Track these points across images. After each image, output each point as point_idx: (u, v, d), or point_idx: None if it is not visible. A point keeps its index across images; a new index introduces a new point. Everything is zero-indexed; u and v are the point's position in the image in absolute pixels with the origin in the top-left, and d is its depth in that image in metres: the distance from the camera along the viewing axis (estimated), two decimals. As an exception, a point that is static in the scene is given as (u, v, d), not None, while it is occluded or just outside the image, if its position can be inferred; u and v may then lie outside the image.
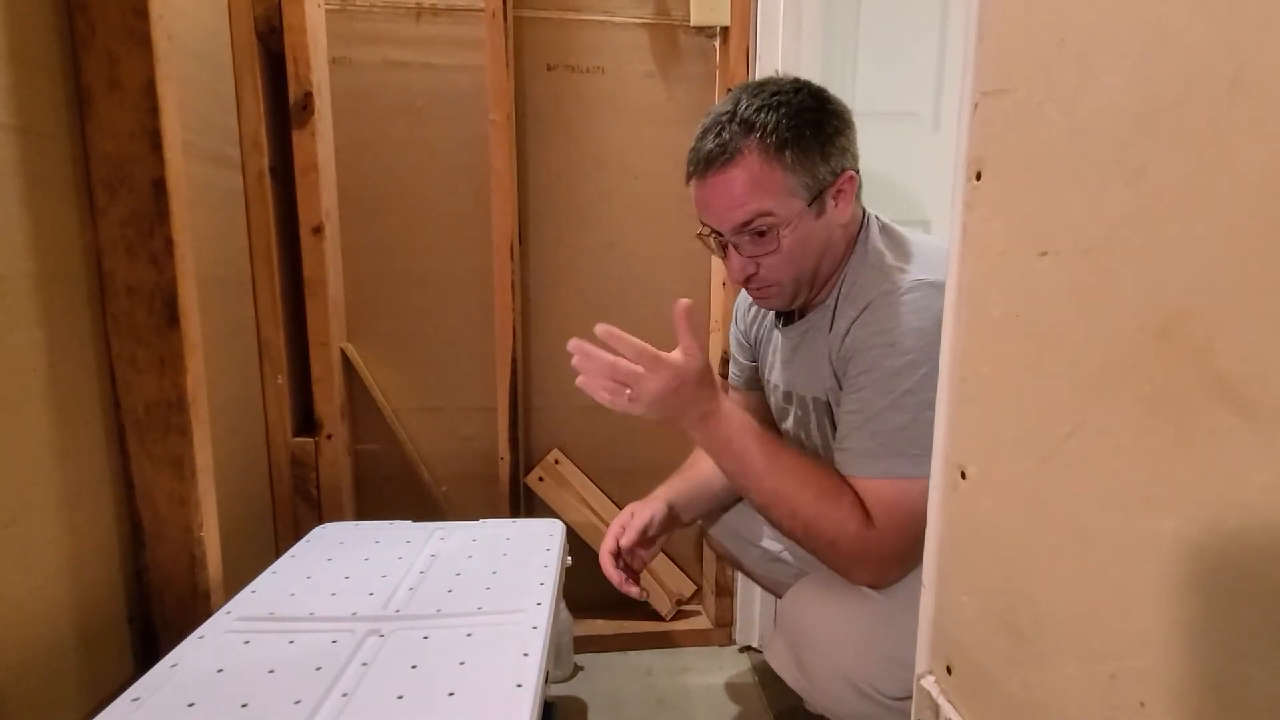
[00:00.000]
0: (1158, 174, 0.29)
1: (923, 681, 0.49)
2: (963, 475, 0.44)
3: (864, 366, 0.71)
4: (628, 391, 0.69)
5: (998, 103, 0.40)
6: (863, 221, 0.80)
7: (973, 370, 0.43)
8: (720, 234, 0.77)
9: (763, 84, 0.75)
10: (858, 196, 0.78)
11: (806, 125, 0.72)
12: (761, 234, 0.74)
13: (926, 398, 0.66)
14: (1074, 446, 0.34)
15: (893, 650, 0.67)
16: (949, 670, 0.46)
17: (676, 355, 0.70)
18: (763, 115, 0.72)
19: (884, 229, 0.80)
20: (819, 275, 0.79)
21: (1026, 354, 0.38)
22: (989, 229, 0.41)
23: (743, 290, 1.01)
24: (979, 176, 0.42)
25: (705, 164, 0.74)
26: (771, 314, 0.92)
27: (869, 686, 0.68)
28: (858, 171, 0.77)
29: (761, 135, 0.71)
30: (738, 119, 0.72)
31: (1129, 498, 0.31)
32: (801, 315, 0.84)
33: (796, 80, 0.76)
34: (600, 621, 1.31)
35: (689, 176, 0.78)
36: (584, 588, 1.28)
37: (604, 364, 0.69)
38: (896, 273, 0.73)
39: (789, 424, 0.88)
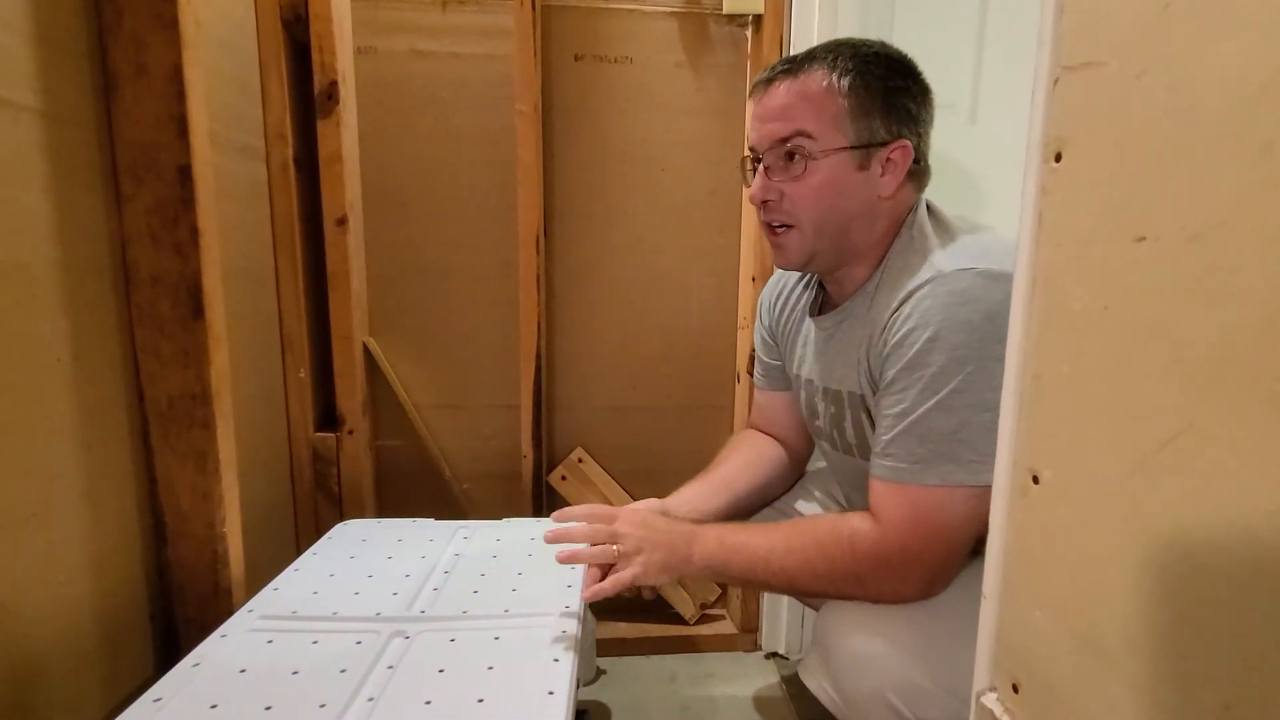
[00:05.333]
0: (1289, 149, 0.26)
1: (984, 699, 0.46)
2: (1035, 480, 0.41)
3: (906, 364, 0.66)
4: (615, 548, 0.72)
5: (1084, 77, 0.37)
6: (914, 206, 0.76)
7: (1048, 368, 0.40)
8: (756, 155, 0.76)
9: (848, 38, 0.77)
10: (913, 178, 0.75)
11: (874, 71, 0.73)
12: (791, 157, 0.73)
13: (976, 399, 0.63)
14: (1177, 451, 0.31)
15: (937, 673, 0.63)
16: (1015, 688, 0.43)
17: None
18: (840, 50, 0.74)
19: (934, 214, 0.76)
20: (848, 244, 0.75)
21: (1117, 350, 0.34)
22: (1071, 215, 0.38)
23: (768, 284, 0.98)
24: (1058, 158, 0.39)
25: (769, 77, 0.75)
26: (803, 303, 0.88)
27: (909, 710, 0.65)
28: (918, 150, 0.74)
29: (829, 63, 0.73)
30: (817, 51, 0.75)
31: (1249, 508, 0.28)
32: (836, 305, 0.81)
33: (884, 43, 0.76)
34: (623, 625, 1.29)
35: (749, 100, 0.79)
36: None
37: (585, 555, 0.73)
38: (943, 260, 0.68)
39: (821, 422, 0.84)
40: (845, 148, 0.72)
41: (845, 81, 0.71)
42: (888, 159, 0.73)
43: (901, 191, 0.75)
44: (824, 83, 0.72)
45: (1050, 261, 0.40)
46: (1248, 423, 0.28)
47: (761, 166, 0.75)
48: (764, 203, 0.76)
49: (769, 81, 0.75)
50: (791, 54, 0.78)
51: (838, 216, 0.74)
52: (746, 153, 0.79)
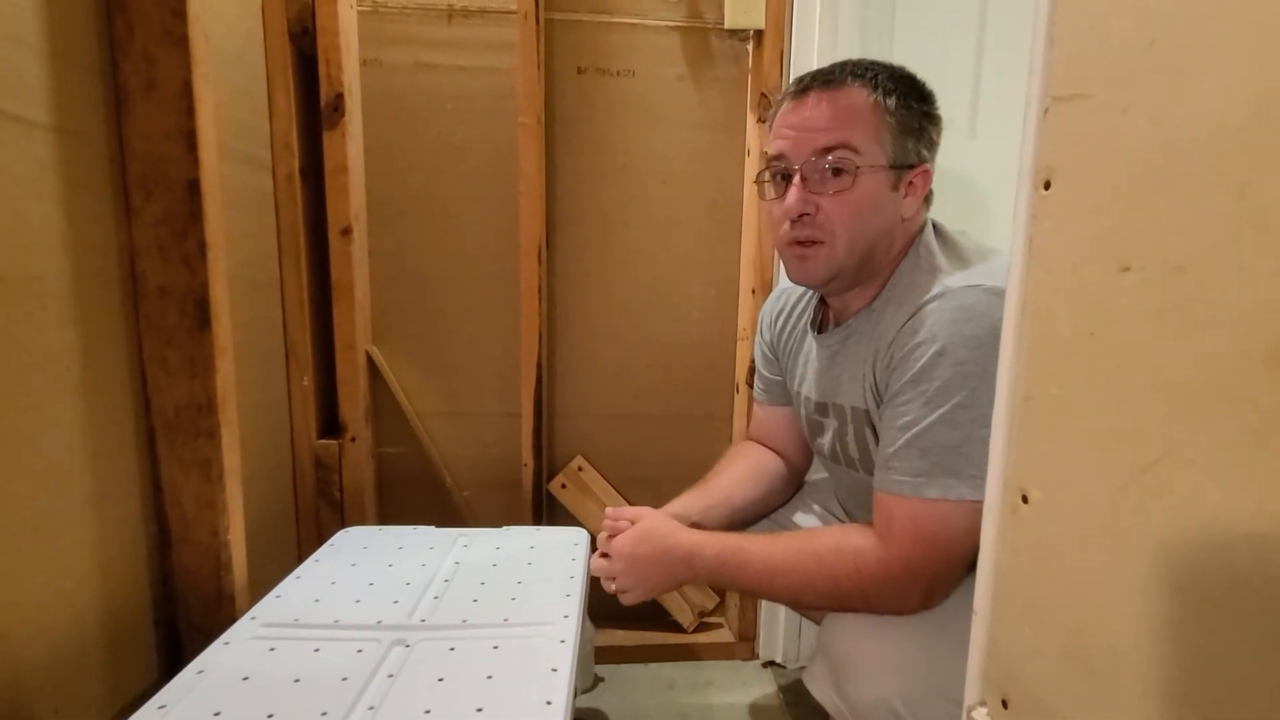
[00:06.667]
0: (1266, 188, 0.27)
1: (974, 714, 0.47)
2: (1024, 499, 0.42)
3: (911, 376, 0.67)
4: (612, 585, 0.80)
5: (1072, 108, 0.38)
6: (921, 227, 0.77)
7: (1038, 390, 0.41)
8: (788, 166, 0.74)
9: (872, 59, 0.77)
10: (925, 201, 0.77)
11: (911, 95, 0.73)
12: (837, 172, 0.72)
13: (979, 414, 0.63)
14: (1158, 476, 0.32)
15: (940, 681, 0.64)
16: (1004, 704, 0.44)
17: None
18: (874, 69, 0.73)
19: (940, 233, 0.77)
20: (868, 263, 0.75)
21: (1102, 375, 0.35)
22: (1059, 242, 0.39)
23: (768, 299, 0.99)
24: (1048, 186, 0.40)
25: (807, 82, 0.74)
26: (805, 321, 0.89)
27: (913, 717, 0.65)
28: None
29: (871, 79, 0.72)
30: (849, 67, 0.74)
31: (1226, 533, 0.28)
32: (839, 322, 0.81)
33: (904, 67, 0.77)
34: (621, 632, 1.29)
35: (780, 102, 0.77)
36: (605, 597, 1.26)
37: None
38: (950, 277, 0.69)
39: (824, 438, 0.85)
40: (883, 166, 0.72)
41: (891, 101, 0.71)
42: (910, 182, 0.74)
43: (918, 215, 0.76)
44: (870, 99, 0.71)
45: (1040, 286, 0.41)
46: (1225, 450, 0.28)
47: (798, 178, 0.73)
48: (800, 216, 0.73)
49: (803, 92, 0.74)
50: (817, 68, 0.77)
51: (869, 234, 0.73)
52: (768, 163, 0.77)
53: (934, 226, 0.78)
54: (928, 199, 0.77)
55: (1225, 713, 0.29)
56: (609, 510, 0.86)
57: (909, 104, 0.72)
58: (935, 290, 0.68)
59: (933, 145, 0.75)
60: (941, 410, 0.65)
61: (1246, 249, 0.28)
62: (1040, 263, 0.41)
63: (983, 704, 0.46)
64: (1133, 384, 0.33)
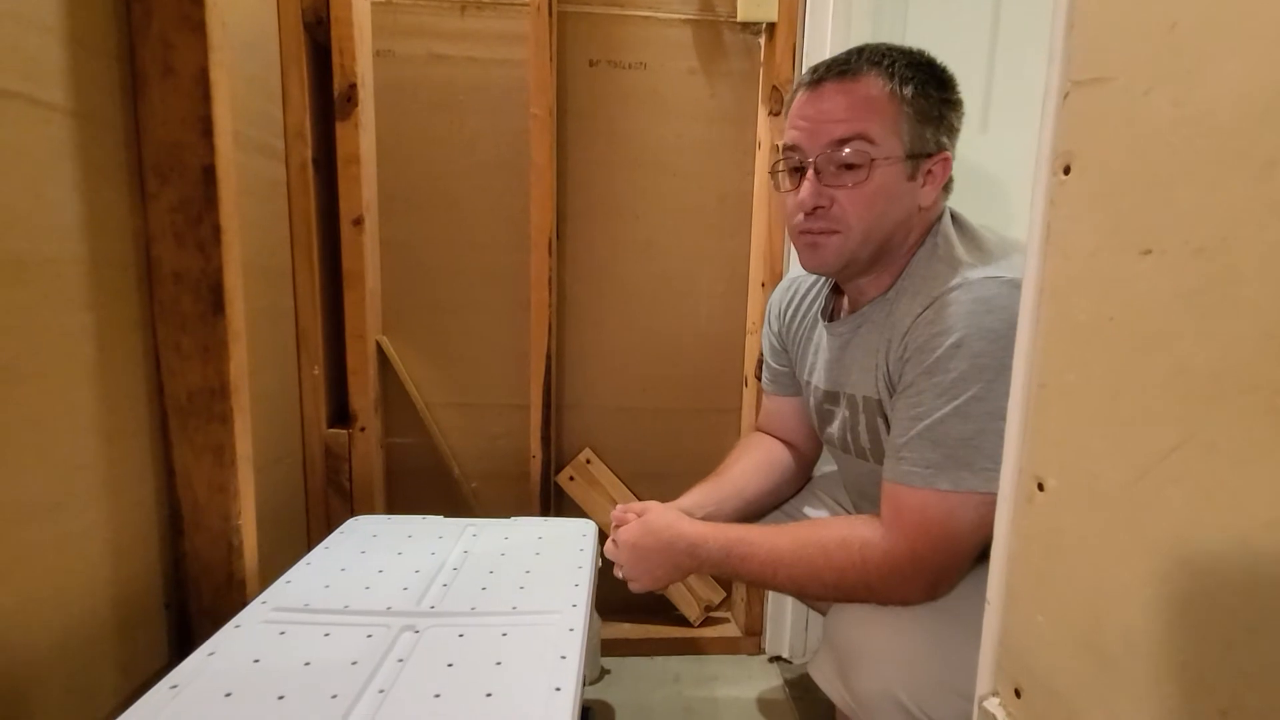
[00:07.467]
0: (1292, 167, 0.27)
1: (986, 704, 0.47)
2: (1040, 487, 0.42)
3: (926, 367, 0.66)
4: (620, 573, 0.83)
5: (1093, 92, 0.37)
6: (939, 215, 0.76)
7: (1054, 377, 0.41)
8: (802, 158, 0.73)
9: (889, 44, 0.76)
10: (944, 189, 0.76)
11: (931, 82, 0.72)
12: (852, 164, 0.70)
13: (994, 407, 0.63)
14: (1179, 461, 0.32)
15: (945, 673, 0.64)
16: (1017, 693, 0.44)
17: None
18: (891, 56, 0.72)
19: (959, 223, 0.76)
20: (883, 252, 0.74)
21: (1121, 361, 0.35)
22: (1078, 227, 0.39)
23: (777, 289, 0.99)
24: (1067, 171, 0.40)
25: (822, 72, 0.73)
26: (815, 310, 0.89)
27: (918, 709, 0.65)
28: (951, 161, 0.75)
29: (889, 67, 0.71)
30: (865, 55, 0.72)
31: (1248, 519, 0.28)
32: (852, 310, 0.81)
33: (924, 51, 0.75)
34: (627, 625, 1.29)
35: (795, 92, 0.76)
36: (611, 590, 1.27)
37: None
38: (968, 268, 0.68)
39: (834, 427, 0.85)
40: (900, 156, 0.71)
41: (909, 90, 0.70)
42: (929, 170, 0.73)
43: (936, 203, 0.75)
44: (886, 88, 0.70)
45: (1058, 272, 0.41)
46: (1248, 435, 0.28)
47: (812, 171, 0.72)
48: (814, 209, 0.72)
49: (818, 82, 0.73)
50: (832, 56, 0.75)
51: (884, 225, 0.73)
52: (782, 154, 0.76)
53: (952, 215, 0.77)
54: (947, 186, 0.76)
55: (1242, 700, 0.28)
56: (618, 506, 0.86)
57: (927, 92, 0.71)
58: (953, 281, 0.67)
59: (953, 132, 0.74)
60: (956, 402, 0.64)
61: (1269, 231, 0.27)
62: (1058, 248, 0.40)
63: (995, 694, 0.46)
64: (1152, 369, 0.33)
